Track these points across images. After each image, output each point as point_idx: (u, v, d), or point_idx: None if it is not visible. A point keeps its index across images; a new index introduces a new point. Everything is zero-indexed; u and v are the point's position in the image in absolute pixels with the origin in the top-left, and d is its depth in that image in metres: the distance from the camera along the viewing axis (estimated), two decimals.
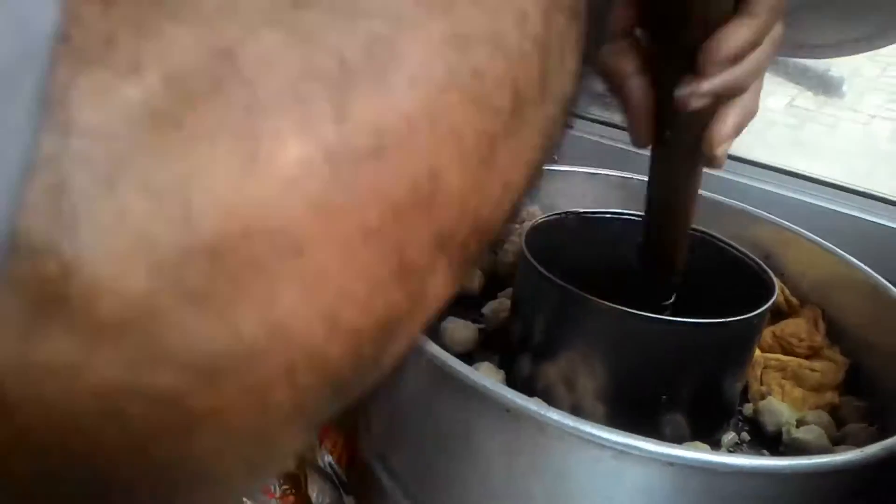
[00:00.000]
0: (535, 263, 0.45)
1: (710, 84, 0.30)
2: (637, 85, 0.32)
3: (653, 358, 0.44)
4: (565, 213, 0.54)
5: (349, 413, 0.51)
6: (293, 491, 0.46)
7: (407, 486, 0.45)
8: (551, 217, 0.52)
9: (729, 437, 0.47)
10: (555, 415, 0.35)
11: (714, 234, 0.52)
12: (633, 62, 0.32)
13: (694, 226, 0.53)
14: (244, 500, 0.43)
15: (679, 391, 0.45)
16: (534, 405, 0.35)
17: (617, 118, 0.76)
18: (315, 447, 0.48)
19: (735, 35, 0.29)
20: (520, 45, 0.12)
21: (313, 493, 0.45)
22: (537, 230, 0.50)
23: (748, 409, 0.50)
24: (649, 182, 0.42)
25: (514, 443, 0.38)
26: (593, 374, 0.45)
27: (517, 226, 0.63)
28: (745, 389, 0.51)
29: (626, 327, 0.43)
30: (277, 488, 0.45)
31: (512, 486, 0.39)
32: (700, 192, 0.64)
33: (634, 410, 0.45)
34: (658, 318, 0.42)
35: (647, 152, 0.72)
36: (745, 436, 0.48)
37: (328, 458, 0.48)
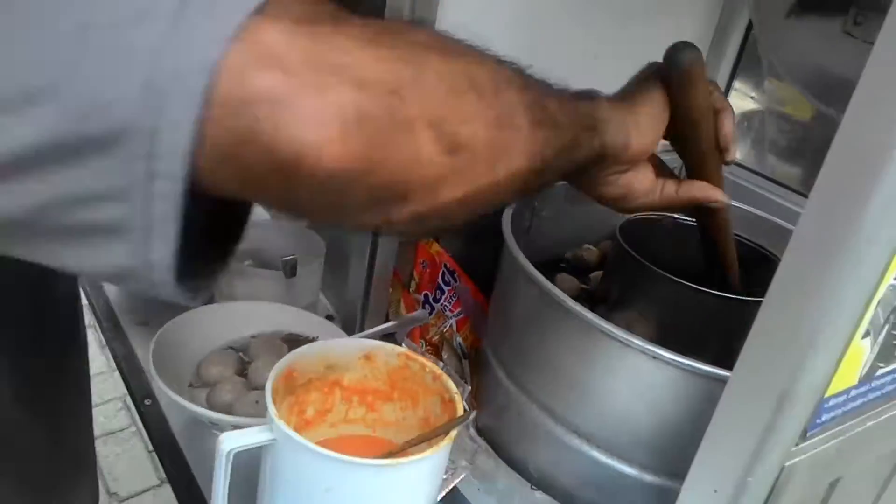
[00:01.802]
0: (622, 242, 0.67)
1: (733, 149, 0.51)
2: None
3: (687, 317, 0.63)
4: (663, 215, 0.74)
5: (477, 318, 0.75)
6: (434, 353, 0.70)
7: (508, 368, 0.69)
8: (649, 216, 0.73)
9: None
10: (609, 326, 0.57)
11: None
12: None
13: None
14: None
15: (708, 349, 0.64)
16: (598, 318, 0.57)
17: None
18: (454, 332, 0.73)
19: (729, 126, 0.50)
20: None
21: (445, 356, 0.70)
22: (634, 223, 0.71)
23: None
24: None
25: (582, 345, 0.60)
26: (646, 325, 0.66)
27: None
28: None
29: (675, 294, 0.63)
30: (424, 346, 0.70)
31: (577, 375, 0.61)
32: None
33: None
34: (691, 286, 0.61)
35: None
36: None
37: (459, 340, 0.72)
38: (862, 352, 0.43)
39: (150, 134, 0.23)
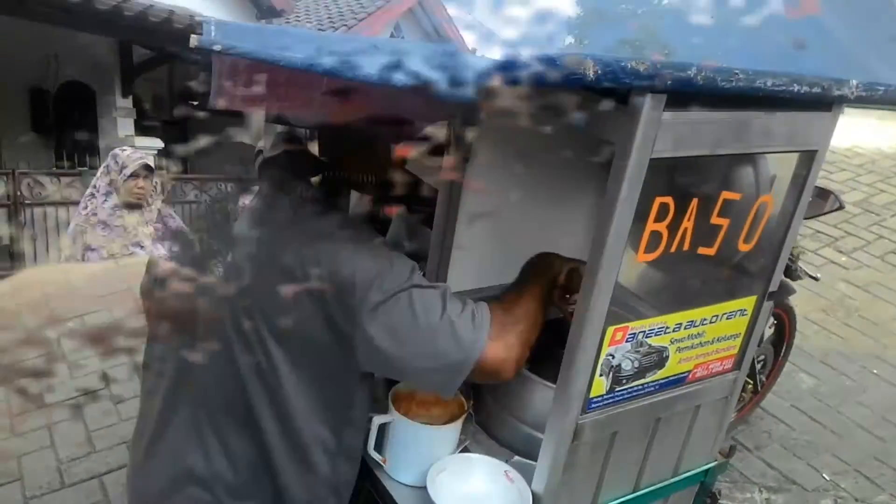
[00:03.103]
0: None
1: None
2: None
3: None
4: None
5: None
6: None
7: (492, 392, 1.47)
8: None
9: None
10: (538, 378, 1.35)
11: None
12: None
13: None
14: None
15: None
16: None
17: None
18: None
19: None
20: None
21: None
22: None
23: None
24: None
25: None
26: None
27: None
28: None
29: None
30: None
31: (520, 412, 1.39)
32: None
33: None
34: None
35: None
36: None
37: None
38: (602, 382, 1.21)
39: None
